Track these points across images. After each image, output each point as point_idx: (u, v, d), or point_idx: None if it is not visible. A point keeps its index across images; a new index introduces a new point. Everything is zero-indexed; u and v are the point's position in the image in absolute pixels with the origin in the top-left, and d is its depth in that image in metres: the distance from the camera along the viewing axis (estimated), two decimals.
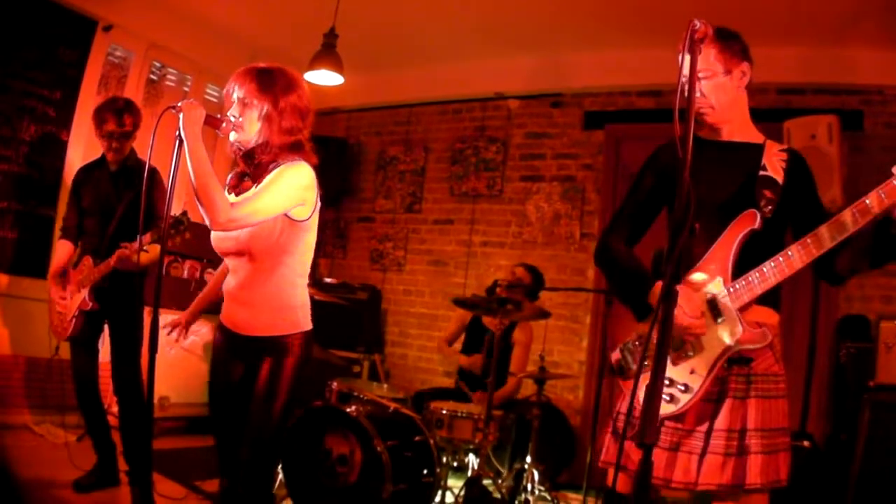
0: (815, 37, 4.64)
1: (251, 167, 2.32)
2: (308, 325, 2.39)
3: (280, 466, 3.53)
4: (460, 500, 3.75)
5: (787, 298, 2.25)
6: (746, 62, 2.16)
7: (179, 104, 2.15)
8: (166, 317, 5.24)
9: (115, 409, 3.68)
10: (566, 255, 5.64)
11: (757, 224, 2.03)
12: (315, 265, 2.46)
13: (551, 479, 4.69)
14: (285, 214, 2.25)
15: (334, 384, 3.85)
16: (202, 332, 5.36)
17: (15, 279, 4.79)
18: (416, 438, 3.70)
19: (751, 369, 2.05)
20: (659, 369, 1.53)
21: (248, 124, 2.26)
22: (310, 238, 2.39)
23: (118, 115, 3.55)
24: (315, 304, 2.48)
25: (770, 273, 1.99)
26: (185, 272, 5.38)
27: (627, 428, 2.09)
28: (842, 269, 2.08)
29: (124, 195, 3.62)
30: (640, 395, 2.03)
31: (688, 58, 2.02)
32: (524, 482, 3.99)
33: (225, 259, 2.42)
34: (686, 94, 1.81)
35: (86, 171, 3.79)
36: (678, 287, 1.78)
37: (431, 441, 3.73)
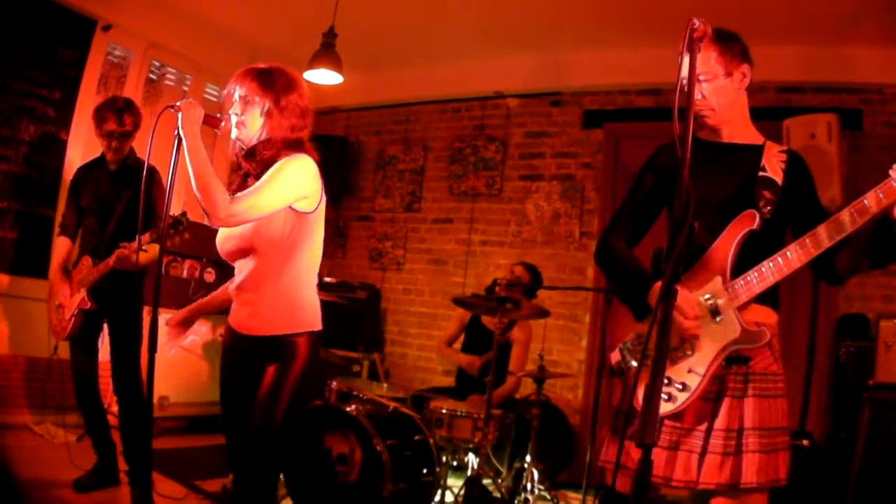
0: (815, 36, 4.64)
1: (253, 164, 2.31)
2: (315, 326, 2.35)
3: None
4: (460, 499, 3.75)
5: (786, 297, 2.25)
6: (746, 64, 2.16)
7: (178, 103, 2.15)
8: (166, 316, 5.25)
9: (114, 408, 3.68)
10: (565, 253, 5.64)
11: (756, 225, 2.04)
12: None
13: (551, 479, 4.70)
14: (290, 208, 2.23)
15: (334, 383, 3.85)
16: (202, 331, 5.37)
17: (15, 279, 4.79)
18: (416, 438, 3.70)
19: (749, 368, 2.06)
20: (658, 369, 1.53)
21: (250, 121, 2.27)
22: (317, 235, 2.36)
23: (118, 115, 3.55)
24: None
25: (768, 273, 2.00)
26: (185, 272, 5.38)
27: (626, 427, 2.10)
28: (841, 268, 2.08)
29: (123, 194, 3.63)
30: (639, 394, 2.05)
31: (687, 57, 2.04)
32: (524, 481, 3.99)
33: (231, 262, 2.40)
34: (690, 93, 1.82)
35: (85, 171, 3.80)
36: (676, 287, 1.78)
37: (431, 440, 3.73)
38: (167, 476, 3.91)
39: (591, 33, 5.25)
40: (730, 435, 2.00)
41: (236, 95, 2.28)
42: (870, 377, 3.88)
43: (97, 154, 3.77)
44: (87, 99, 5.11)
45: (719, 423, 2.03)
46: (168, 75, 5.97)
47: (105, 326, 3.69)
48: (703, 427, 2.05)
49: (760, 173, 2.14)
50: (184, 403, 5.20)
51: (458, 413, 3.84)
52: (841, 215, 1.91)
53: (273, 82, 2.28)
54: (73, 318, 3.52)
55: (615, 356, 2.27)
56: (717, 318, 2.05)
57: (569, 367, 5.41)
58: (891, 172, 1.84)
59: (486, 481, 3.86)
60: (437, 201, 6.38)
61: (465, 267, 6.11)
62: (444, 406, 3.91)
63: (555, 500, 4.17)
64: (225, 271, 5.45)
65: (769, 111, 4.64)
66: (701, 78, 2.10)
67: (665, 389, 2.06)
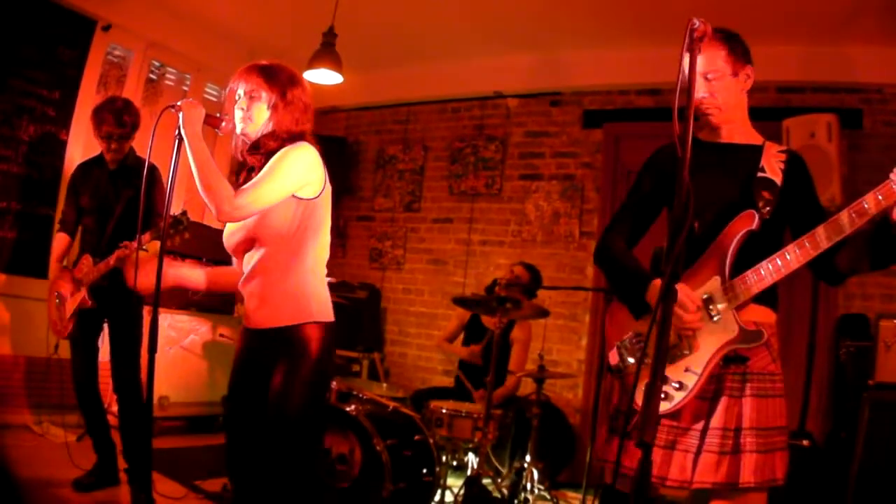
0: (815, 35, 4.64)
1: (257, 157, 2.30)
2: (325, 317, 2.32)
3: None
4: (460, 499, 3.75)
5: (786, 297, 2.25)
6: (749, 66, 2.18)
7: (179, 103, 2.16)
8: (166, 316, 5.24)
9: (114, 408, 3.68)
10: (565, 253, 5.64)
11: (755, 225, 2.04)
12: None
13: (551, 478, 4.70)
14: (294, 196, 2.24)
15: (333, 383, 3.85)
16: (201, 331, 5.37)
17: (14, 279, 4.79)
18: (416, 437, 3.70)
19: (747, 368, 2.06)
20: (658, 369, 1.53)
21: (257, 115, 2.28)
22: (324, 226, 2.37)
23: (117, 116, 3.54)
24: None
25: (767, 273, 2.00)
26: None
27: (626, 426, 2.10)
28: (841, 269, 2.09)
29: (123, 193, 3.63)
30: (638, 393, 2.05)
31: (689, 56, 2.05)
32: (524, 481, 3.99)
33: (238, 257, 2.39)
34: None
35: (84, 168, 3.80)
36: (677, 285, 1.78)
37: (431, 440, 3.73)
38: (167, 476, 3.91)
39: (591, 33, 5.25)
40: (727, 434, 2.00)
41: (241, 91, 2.29)
42: (870, 377, 3.88)
43: (97, 152, 3.77)
44: (87, 99, 5.11)
45: (716, 422, 2.03)
46: (168, 75, 5.97)
47: (105, 326, 3.69)
48: (700, 426, 2.05)
49: (759, 174, 2.14)
50: (184, 403, 5.20)
51: (458, 413, 3.84)
52: (840, 216, 1.91)
53: (278, 77, 2.31)
54: (73, 318, 3.52)
55: (613, 356, 2.28)
56: (715, 318, 2.06)
57: (569, 367, 5.41)
58: (892, 175, 1.84)
59: (485, 481, 3.86)
60: (437, 201, 6.38)
61: (464, 267, 6.11)
62: (443, 406, 3.91)
63: (555, 500, 4.17)
64: None
65: (769, 111, 4.64)
66: (710, 76, 2.11)
67: (662, 388, 2.06)
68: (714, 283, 2.07)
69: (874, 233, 1.94)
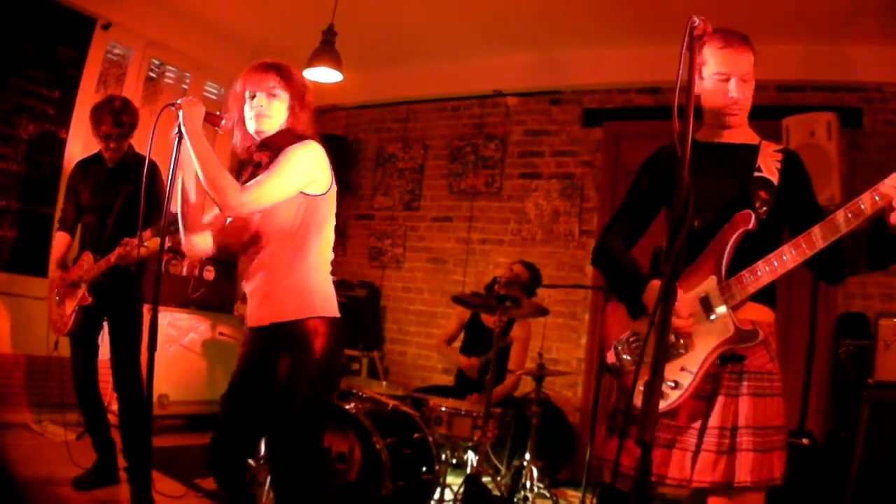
0: (815, 34, 4.64)
1: (267, 155, 2.31)
2: (329, 312, 2.32)
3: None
4: (459, 497, 3.75)
5: (785, 296, 2.26)
6: None
7: (179, 101, 2.17)
8: (166, 315, 5.24)
9: (114, 406, 3.68)
10: (565, 252, 5.64)
11: (751, 225, 2.04)
12: None
13: (550, 476, 4.70)
14: (301, 192, 2.25)
15: None
16: (201, 329, 5.37)
17: (14, 277, 4.79)
18: (416, 436, 3.70)
19: (744, 367, 2.06)
20: (658, 368, 1.53)
21: (276, 114, 2.31)
22: (328, 223, 2.39)
23: (115, 116, 3.53)
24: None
25: (763, 273, 2.00)
26: (184, 270, 5.38)
27: (625, 425, 2.10)
28: (838, 268, 2.09)
29: (122, 190, 3.63)
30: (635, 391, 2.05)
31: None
32: (523, 479, 4.00)
33: (241, 253, 2.38)
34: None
35: (83, 166, 3.79)
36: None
37: (430, 438, 3.73)
38: (166, 474, 3.91)
39: (591, 32, 5.25)
40: (724, 433, 2.00)
41: (258, 89, 2.29)
42: (869, 376, 3.88)
43: (96, 151, 3.77)
44: (87, 97, 5.11)
45: (713, 421, 2.03)
46: (167, 73, 5.96)
47: (105, 324, 3.69)
48: (698, 425, 2.06)
49: (756, 173, 2.14)
50: (183, 402, 5.20)
51: (458, 411, 3.84)
52: (836, 216, 1.91)
53: (295, 79, 2.35)
54: (73, 315, 3.52)
55: (611, 355, 2.28)
56: (711, 317, 2.06)
57: (568, 365, 5.41)
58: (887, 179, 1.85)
59: (485, 479, 3.86)
60: (437, 199, 6.37)
61: (464, 265, 6.11)
62: (443, 404, 3.91)
63: (554, 498, 4.17)
64: (224, 269, 5.45)
65: (769, 110, 4.63)
66: (745, 78, 2.14)
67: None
68: (710, 283, 2.07)
69: (871, 233, 1.94)
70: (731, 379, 2.06)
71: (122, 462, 3.63)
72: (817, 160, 4.10)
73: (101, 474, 3.62)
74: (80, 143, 5.08)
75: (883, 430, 3.64)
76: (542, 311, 4.15)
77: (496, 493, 3.97)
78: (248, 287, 2.34)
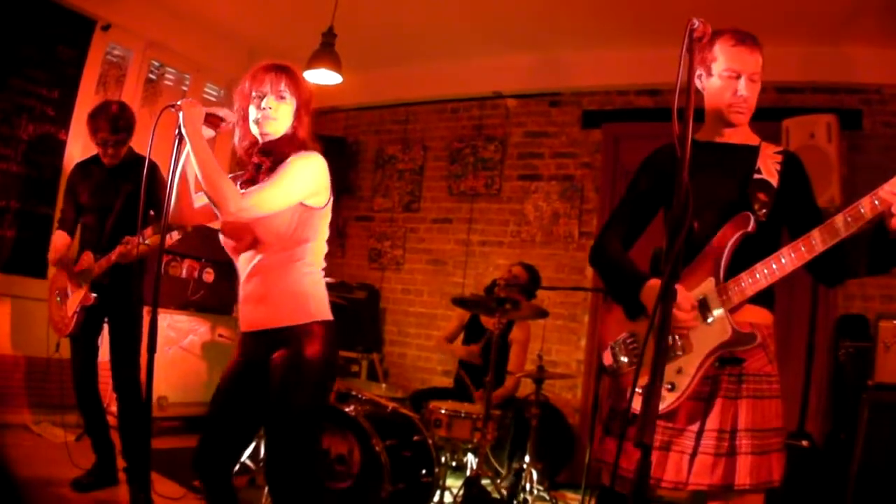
0: (815, 35, 4.64)
1: (270, 159, 2.30)
2: (324, 316, 2.32)
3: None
4: (459, 499, 3.75)
5: (785, 297, 2.25)
6: None
7: (178, 102, 2.16)
8: (165, 317, 5.24)
9: (113, 408, 3.68)
10: (565, 254, 5.64)
11: (751, 227, 2.04)
12: None
13: (550, 479, 4.70)
14: (301, 203, 2.25)
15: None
16: (200, 331, 5.37)
17: (14, 278, 4.79)
18: (415, 438, 3.70)
19: (743, 369, 2.05)
20: (658, 370, 1.52)
21: (283, 117, 2.29)
22: (322, 232, 2.38)
23: (112, 123, 3.53)
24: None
25: (762, 276, 2.00)
26: (184, 271, 5.37)
27: (624, 427, 2.09)
28: (838, 272, 2.09)
29: (122, 189, 3.63)
30: (629, 393, 2.05)
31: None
32: (523, 482, 3.99)
33: (234, 256, 2.38)
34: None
35: (82, 167, 3.80)
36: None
37: (430, 441, 3.73)
38: (166, 476, 3.90)
39: (591, 33, 5.25)
40: (722, 436, 2.00)
41: (266, 90, 2.28)
42: (869, 377, 3.87)
43: (95, 152, 3.77)
44: (86, 98, 5.11)
45: (711, 423, 2.02)
46: (167, 75, 5.97)
47: (105, 326, 3.69)
48: (695, 427, 2.05)
49: (755, 175, 2.14)
50: (182, 403, 5.20)
51: (457, 413, 3.84)
52: (835, 220, 1.91)
53: (302, 83, 2.34)
54: (75, 315, 3.52)
55: (607, 356, 2.28)
56: (709, 320, 2.05)
57: (568, 368, 5.41)
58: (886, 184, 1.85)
59: (485, 482, 3.86)
60: (436, 201, 6.37)
61: (464, 267, 6.11)
62: (443, 406, 3.91)
63: (554, 501, 4.17)
64: (224, 271, 5.45)
65: (768, 111, 4.59)
66: (755, 79, 2.14)
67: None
68: (709, 285, 2.07)
69: (872, 237, 1.93)
70: (730, 381, 2.05)
71: (121, 463, 3.63)
72: (817, 162, 4.10)
73: (101, 475, 3.61)
74: (79, 144, 5.08)
75: (883, 431, 3.64)
76: (542, 314, 4.15)
77: (496, 495, 3.97)
78: (243, 290, 2.33)
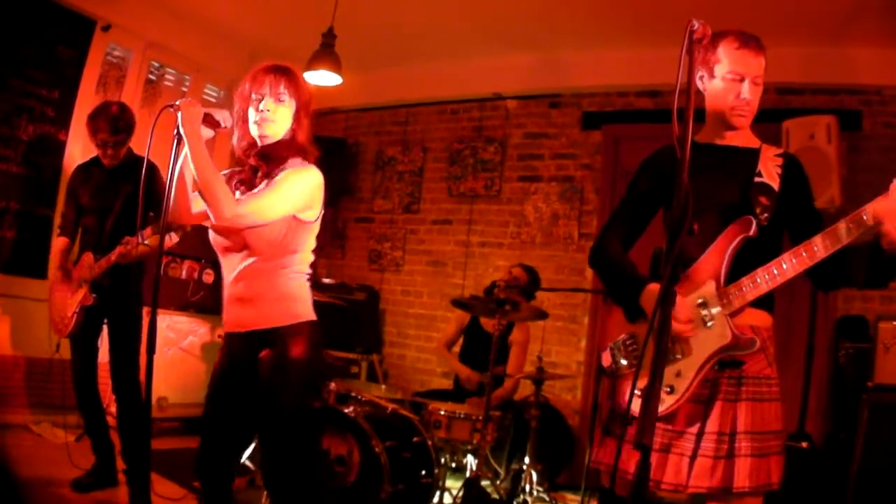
0: (815, 36, 4.64)
1: (268, 163, 2.30)
2: (309, 316, 2.35)
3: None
4: (458, 500, 3.75)
5: (785, 299, 2.25)
6: None
7: (177, 102, 2.15)
8: (165, 318, 5.23)
9: (113, 408, 3.68)
10: (564, 255, 5.64)
11: (752, 231, 2.03)
12: (313, 266, 2.45)
13: (550, 480, 4.70)
14: (294, 216, 2.26)
15: (332, 385, 3.85)
16: (200, 332, 5.37)
17: (14, 279, 4.79)
18: (415, 439, 3.70)
19: (742, 372, 2.05)
20: (657, 371, 1.52)
21: (282, 120, 2.29)
22: (310, 240, 2.39)
23: (112, 124, 3.54)
24: (313, 305, 2.44)
25: (762, 281, 1.99)
26: (184, 273, 5.38)
27: (623, 428, 2.09)
28: (838, 278, 2.09)
29: (122, 190, 3.63)
30: (628, 395, 2.05)
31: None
32: (522, 483, 3.99)
33: (222, 256, 2.39)
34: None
35: (83, 169, 3.81)
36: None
37: (430, 442, 3.73)
38: (165, 477, 3.90)
39: (591, 34, 5.25)
40: (722, 438, 1.99)
41: (266, 92, 2.28)
42: (869, 379, 3.87)
43: (95, 154, 3.77)
44: (86, 99, 5.12)
45: (711, 426, 2.02)
46: (167, 75, 5.97)
47: (105, 326, 3.69)
48: (695, 430, 2.04)
49: (756, 178, 2.13)
50: (182, 404, 5.20)
51: (457, 415, 3.84)
52: (837, 226, 1.90)
53: (303, 87, 2.34)
54: (75, 316, 3.52)
55: (606, 357, 2.27)
56: (709, 324, 2.05)
57: (567, 369, 5.41)
58: (892, 186, 1.84)
59: (484, 483, 3.86)
60: (436, 202, 6.37)
61: (463, 268, 6.11)
62: (442, 408, 3.91)
63: (553, 502, 4.17)
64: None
65: (769, 112, 4.56)
66: (758, 81, 2.14)
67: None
68: (709, 288, 2.06)
69: (872, 250, 1.93)
70: (729, 384, 2.05)
71: (121, 464, 3.63)
72: (817, 163, 4.10)
73: (101, 476, 3.62)
74: (79, 145, 5.09)
75: (882, 432, 3.64)
76: (542, 315, 4.15)
77: (495, 496, 3.96)
78: (230, 292, 2.34)
